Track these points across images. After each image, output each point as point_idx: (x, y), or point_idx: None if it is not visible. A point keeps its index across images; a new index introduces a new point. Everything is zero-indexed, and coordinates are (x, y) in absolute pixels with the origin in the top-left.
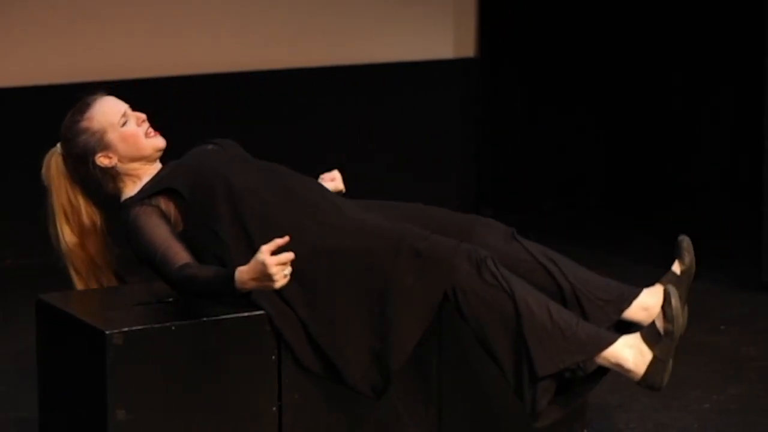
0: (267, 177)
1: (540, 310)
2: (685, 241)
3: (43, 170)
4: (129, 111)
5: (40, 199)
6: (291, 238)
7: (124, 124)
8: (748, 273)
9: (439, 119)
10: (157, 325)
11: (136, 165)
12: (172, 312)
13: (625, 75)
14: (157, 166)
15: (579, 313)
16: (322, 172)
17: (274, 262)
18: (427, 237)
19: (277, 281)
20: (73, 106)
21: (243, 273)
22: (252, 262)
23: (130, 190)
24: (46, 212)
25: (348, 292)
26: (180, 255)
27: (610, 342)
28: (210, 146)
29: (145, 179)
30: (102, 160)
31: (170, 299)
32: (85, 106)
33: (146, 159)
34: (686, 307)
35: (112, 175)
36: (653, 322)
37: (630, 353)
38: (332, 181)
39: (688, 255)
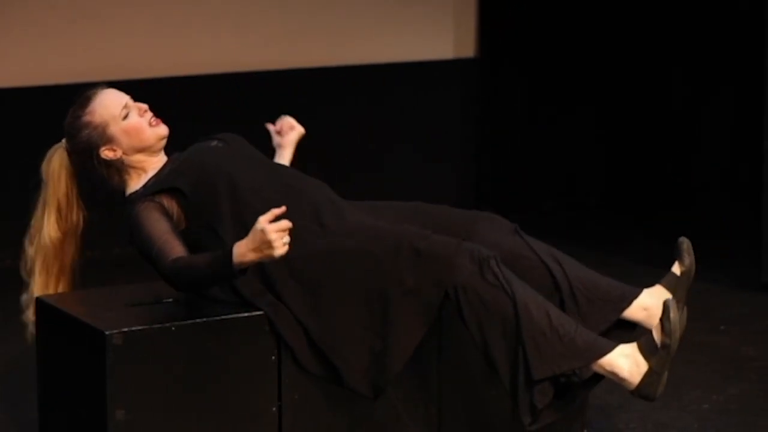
0: (269, 176)
1: (539, 315)
2: (685, 243)
3: (44, 163)
4: (130, 102)
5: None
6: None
7: (126, 116)
8: (748, 273)
9: (439, 119)
10: (157, 326)
11: (141, 157)
12: (172, 312)
13: (625, 75)
14: (162, 158)
15: (576, 312)
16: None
17: (274, 228)
18: (428, 236)
19: (277, 248)
20: (74, 102)
21: (241, 246)
22: (250, 234)
23: (135, 183)
24: (35, 204)
25: (348, 293)
26: (176, 249)
27: (607, 350)
28: (214, 142)
29: (150, 172)
30: (107, 153)
31: (170, 299)
32: (86, 101)
33: (150, 149)
34: (685, 309)
35: (118, 167)
36: (651, 334)
37: (626, 363)
38: (292, 129)
39: (688, 257)
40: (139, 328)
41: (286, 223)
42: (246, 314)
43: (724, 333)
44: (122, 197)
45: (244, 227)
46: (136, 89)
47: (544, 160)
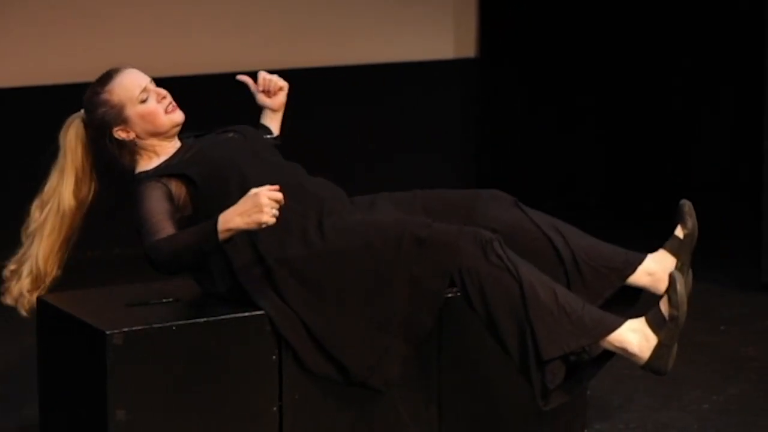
0: (280, 174)
1: (546, 294)
2: (687, 206)
3: (62, 132)
4: (150, 86)
5: None
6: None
7: (144, 100)
8: (748, 273)
9: (439, 119)
10: (157, 325)
11: (154, 141)
12: (172, 312)
13: (626, 75)
14: (176, 143)
15: (580, 281)
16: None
17: (266, 193)
18: (429, 225)
19: (266, 213)
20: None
21: (228, 212)
22: (241, 200)
23: (146, 164)
24: (48, 171)
25: (351, 289)
26: (167, 231)
27: (615, 326)
28: (231, 134)
29: (163, 156)
30: (120, 134)
31: (171, 299)
32: (108, 78)
33: (164, 135)
34: (690, 271)
35: (130, 148)
36: (658, 307)
37: (635, 338)
38: (281, 90)
39: (690, 219)
40: (140, 327)
41: (279, 195)
42: (246, 314)
43: (724, 333)
44: (131, 175)
45: None
46: None
47: (544, 160)
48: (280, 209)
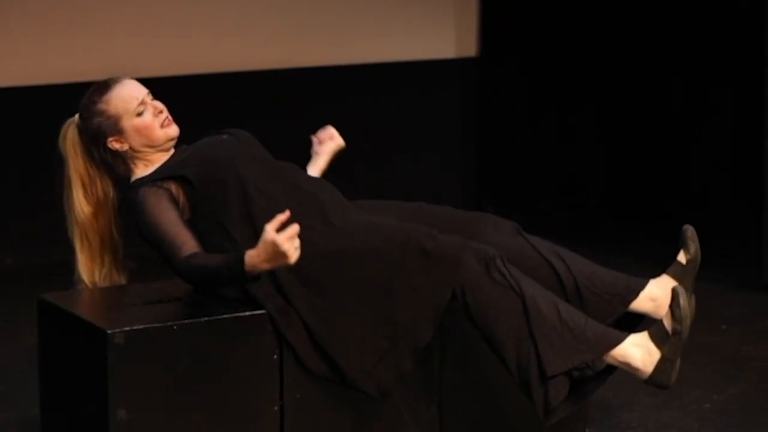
0: (277, 175)
1: (549, 309)
2: (689, 231)
3: (60, 140)
4: (147, 99)
5: (41, 199)
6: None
7: (140, 113)
8: (748, 273)
9: (439, 119)
10: (158, 325)
11: (148, 150)
12: (173, 312)
13: (626, 75)
14: (170, 152)
15: (582, 308)
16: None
17: (284, 238)
18: (435, 236)
19: (291, 256)
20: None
21: (253, 257)
22: (261, 245)
23: (141, 172)
24: (61, 181)
25: (353, 292)
26: (188, 244)
27: (619, 341)
28: (225, 136)
29: (157, 165)
30: (114, 144)
31: (171, 299)
32: (105, 88)
33: (159, 148)
34: (693, 297)
35: (124, 158)
36: (661, 322)
37: (638, 352)
38: (331, 139)
39: (693, 244)
40: (141, 327)
41: (294, 229)
42: (248, 313)
43: (725, 333)
44: (128, 183)
45: (251, 224)
46: None
47: (544, 160)
48: (284, 210)
